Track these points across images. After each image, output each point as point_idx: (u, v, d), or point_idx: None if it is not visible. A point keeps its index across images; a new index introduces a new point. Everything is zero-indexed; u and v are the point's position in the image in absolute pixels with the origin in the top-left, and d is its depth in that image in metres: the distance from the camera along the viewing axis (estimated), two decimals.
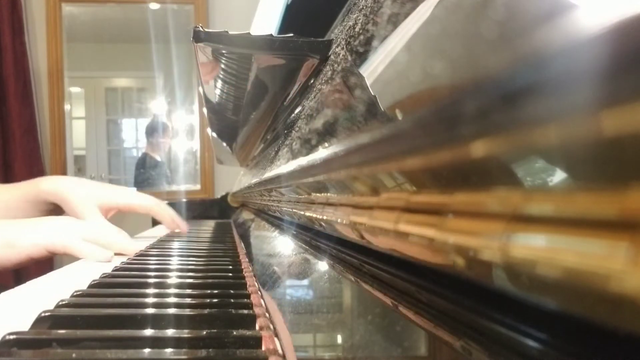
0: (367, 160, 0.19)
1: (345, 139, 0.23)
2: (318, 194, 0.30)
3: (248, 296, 0.39)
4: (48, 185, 0.80)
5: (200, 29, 0.40)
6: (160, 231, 1.03)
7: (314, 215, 0.31)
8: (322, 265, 0.33)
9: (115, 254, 0.66)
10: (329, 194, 0.28)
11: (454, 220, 0.13)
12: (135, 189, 3.09)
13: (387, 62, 0.20)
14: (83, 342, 0.28)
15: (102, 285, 0.44)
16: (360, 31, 0.27)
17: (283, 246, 0.51)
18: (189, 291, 0.41)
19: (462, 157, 0.12)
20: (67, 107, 2.67)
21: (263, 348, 0.28)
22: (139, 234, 1.04)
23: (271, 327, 0.31)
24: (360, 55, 0.25)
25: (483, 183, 0.12)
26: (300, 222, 0.42)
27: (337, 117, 0.27)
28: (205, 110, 0.77)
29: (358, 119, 0.22)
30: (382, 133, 0.18)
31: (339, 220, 0.25)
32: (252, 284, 0.44)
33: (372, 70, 0.22)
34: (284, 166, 0.41)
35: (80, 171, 3.49)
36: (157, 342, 0.28)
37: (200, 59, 0.46)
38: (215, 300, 0.37)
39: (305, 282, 0.36)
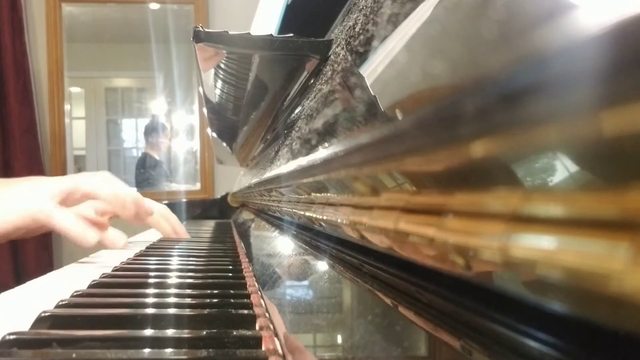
0: (367, 160, 0.19)
1: (345, 139, 0.23)
2: (318, 194, 0.30)
3: (248, 296, 0.39)
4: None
5: (200, 29, 0.40)
6: (158, 234, 1.03)
7: (314, 215, 0.31)
8: (322, 265, 0.33)
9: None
10: (329, 194, 0.28)
11: (454, 220, 0.13)
12: (135, 189, 3.09)
13: (387, 62, 0.20)
14: (83, 342, 0.28)
15: (102, 285, 0.44)
16: (360, 31, 0.27)
17: (283, 246, 0.51)
18: (189, 291, 0.41)
19: (462, 157, 0.12)
20: (67, 107, 2.67)
21: (263, 348, 0.28)
22: (134, 238, 1.01)
23: (271, 327, 0.31)
24: (360, 55, 0.25)
25: (483, 183, 0.12)
26: (300, 222, 0.42)
27: (337, 117, 0.27)
28: (205, 110, 0.77)
29: (358, 119, 0.22)
30: (382, 133, 0.18)
31: (339, 221, 0.25)
32: (252, 284, 0.44)
33: (372, 70, 0.22)
34: (284, 166, 0.41)
35: (80, 171, 3.49)
36: (157, 342, 0.28)
37: (200, 59, 0.46)
38: (215, 300, 0.37)
39: (305, 282, 0.36)
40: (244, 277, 0.47)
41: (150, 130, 3.16)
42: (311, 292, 0.34)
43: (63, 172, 2.61)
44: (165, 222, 0.80)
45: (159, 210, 0.81)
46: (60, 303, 0.35)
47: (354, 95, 0.24)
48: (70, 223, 0.58)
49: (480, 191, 0.12)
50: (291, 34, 0.41)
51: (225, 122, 0.80)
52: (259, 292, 0.40)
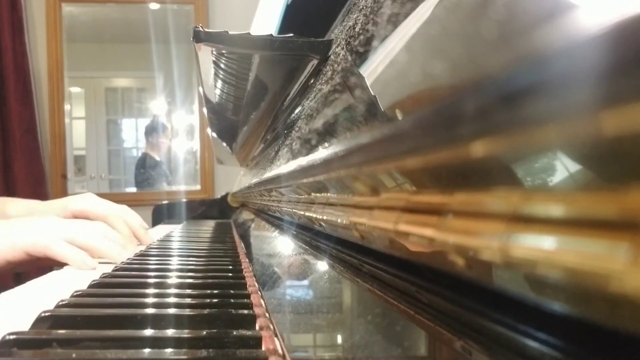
0: (367, 160, 0.19)
1: (345, 139, 0.23)
2: (318, 194, 0.30)
3: (248, 296, 0.39)
4: (15, 209, 0.78)
5: (200, 29, 0.40)
6: (158, 233, 1.03)
7: (314, 215, 0.31)
8: (322, 265, 0.33)
9: (100, 262, 0.60)
10: (329, 194, 0.28)
11: (454, 220, 0.13)
12: (135, 189, 3.09)
13: (387, 62, 0.20)
14: (83, 342, 0.28)
15: (102, 285, 0.44)
16: (360, 31, 0.27)
17: (283, 246, 0.51)
18: (189, 291, 0.41)
19: (462, 157, 0.12)
20: (67, 107, 2.67)
21: (263, 348, 0.28)
22: None
23: (271, 327, 0.31)
24: (360, 55, 0.25)
25: (483, 183, 0.12)
26: (300, 222, 0.42)
27: (337, 117, 0.27)
28: (205, 110, 0.77)
29: (358, 119, 0.22)
30: (382, 133, 0.18)
31: (339, 220, 0.25)
32: (252, 284, 0.44)
33: (372, 70, 0.22)
34: (284, 166, 0.41)
35: (80, 171, 3.49)
36: (157, 342, 0.28)
37: (200, 59, 0.46)
38: (215, 300, 0.37)
39: (305, 282, 0.36)
40: (244, 277, 0.47)
41: (151, 131, 3.16)
42: (311, 292, 0.34)
43: (63, 172, 2.61)
44: (122, 223, 0.76)
45: (117, 212, 0.79)
46: (60, 303, 0.35)
47: (354, 95, 0.24)
48: (68, 252, 0.59)
49: (480, 191, 0.12)
50: (291, 34, 0.41)
51: (225, 122, 0.80)
52: (259, 292, 0.40)
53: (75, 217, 0.76)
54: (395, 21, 0.20)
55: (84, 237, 0.62)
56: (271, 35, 0.41)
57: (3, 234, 0.60)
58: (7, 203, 0.80)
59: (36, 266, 0.65)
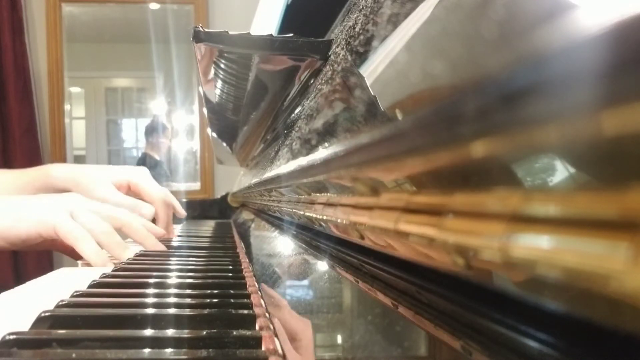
0: (367, 160, 0.19)
1: (345, 139, 0.23)
2: (318, 194, 0.30)
3: (248, 296, 0.39)
4: (58, 171, 0.79)
5: (200, 29, 0.40)
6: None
7: (314, 215, 0.31)
8: (322, 265, 0.33)
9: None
10: (329, 194, 0.28)
11: (454, 220, 0.13)
12: None
13: (387, 62, 0.20)
14: (83, 342, 0.28)
15: (102, 285, 0.44)
16: (360, 31, 0.27)
17: (283, 246, 0.51)
18: (189, 291, 0.41)
19: (462, 157, 0.12)
20: (67, 107, 2.67)
21: (263, 348, 0.28)
22: None
23: (271, 327, 0.31)
24: (360, 55, 0.25)
25: (483, 183, 0.12)
26: (300, 222, 0.42)
27: (337, 117, 0.27)
28: (205, 110, 0.77)
29: (358, 119, 0.22)
30: (382, 133, 0.18)
31: (339, 220, 0.25)
32: (252, 284, 0.44)
33: (372, 70, 0.22)
34: (284, 166, 0.41)
35: None
36: (157, 342, 0.28)
37: (200, 59, 0.46)
38: (215, 300, 0.37)
39: (305, 282, 0.36)
40: (244, 277, 0.47)
41: (151, 131, 3.16)
42: (311, 292, 0.34)
43: None
44: (164, 213, 0.83)
45: (162, 197, 0.85)
46: (60, 303, 0.35)
47: (353, 95, 0.24)
48: (79, 236, 0.60)
49: (480, 191, 0.12)
50: (291, 34, 0.41)
51: (225, 122, 0.80)
52: (259, 292, 0.40)
53: (130, 189, 0.83)
54: (395, 21, 0.20)
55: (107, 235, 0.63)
56: (271, 35, 0.41)
57: (37, 207, 0.61)
58: (51, 167, 0.81)
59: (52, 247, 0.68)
